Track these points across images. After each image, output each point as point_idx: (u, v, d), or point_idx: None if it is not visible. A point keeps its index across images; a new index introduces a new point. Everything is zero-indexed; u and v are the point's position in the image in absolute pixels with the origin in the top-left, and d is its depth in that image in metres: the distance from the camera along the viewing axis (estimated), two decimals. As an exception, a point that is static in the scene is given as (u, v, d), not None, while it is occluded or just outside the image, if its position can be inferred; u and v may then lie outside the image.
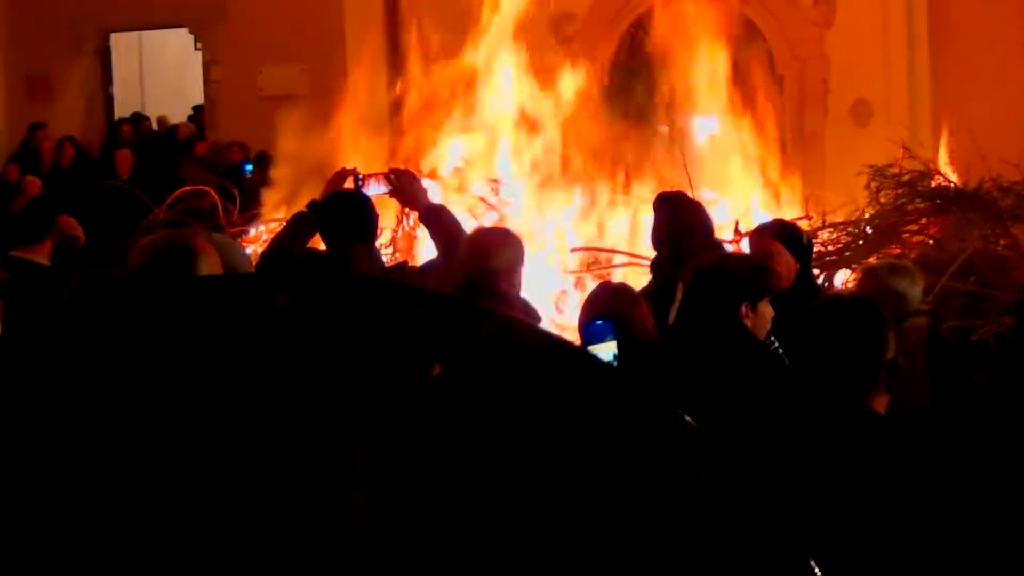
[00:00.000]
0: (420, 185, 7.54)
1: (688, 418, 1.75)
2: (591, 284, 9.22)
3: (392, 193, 7.26)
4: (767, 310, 5.69)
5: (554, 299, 10.24)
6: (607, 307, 5.56)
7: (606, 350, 5.01)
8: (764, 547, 1.69)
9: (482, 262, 6.21)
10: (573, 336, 6.38)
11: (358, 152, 11.49)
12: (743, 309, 5.58)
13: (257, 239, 10.60)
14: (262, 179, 13.39)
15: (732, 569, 1.67)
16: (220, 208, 11.40)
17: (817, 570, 1.67)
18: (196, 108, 20.64)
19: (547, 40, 14.37)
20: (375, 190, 7.12)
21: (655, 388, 1.79)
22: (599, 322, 5.13)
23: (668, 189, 8.33)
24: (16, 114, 19.23)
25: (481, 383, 1.75)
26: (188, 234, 5.24)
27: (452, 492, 1.66)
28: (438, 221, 6.90)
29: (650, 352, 5.41)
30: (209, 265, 4.88)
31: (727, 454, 1.72)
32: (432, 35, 13.26)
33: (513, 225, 9.40)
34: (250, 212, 11.82)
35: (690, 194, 8.90)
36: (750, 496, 1.72)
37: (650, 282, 7.31)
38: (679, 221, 7.20)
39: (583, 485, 1.69)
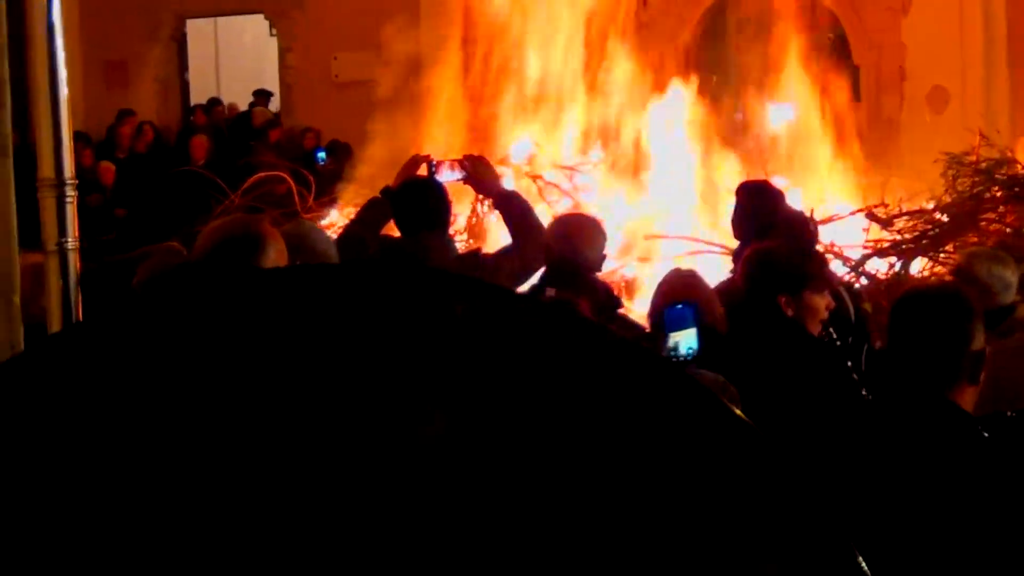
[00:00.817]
0: (494, 172, 7.53)
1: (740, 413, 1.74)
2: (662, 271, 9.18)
3: (466, 180, 7.24)
4: (817, 300, 5.66)
5: (624, 285, 10.22)
6: (684, 292, 5.52)
7: (686, 338, 4.95)
8: (808, 542, 1.68)
9: (568, 249, 6.23)
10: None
11: (432, 138, 11.50)
12: (783, 299, 5.57)
13: (332, 226, 10.62)
14: (336, 166, 13.46)
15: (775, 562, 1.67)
16: (295, 194, 11.45)
17: (864, 566, 1.66)
18: (258, 92, 20.65)
19: (624, 25, 14.27)
20: (449, 176, 7.10)
21: (701, 383, 1.79)
22: (679, 306, 5.08)
23: (749, 178, 8.29)
24: (93, 100, 19.35)
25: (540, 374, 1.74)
26: (254, 220, 5.24)
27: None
28: (511, 208, 6.88)
29: (721, 342, 5.38)
30: (276, 252, 4.89)
31: (773, 448, 1.72)
32: (507, 21, 13.24)
33: (587, 209, 9.41)
34: (325, 198, 11.87)
35: (768, 180, 8.83)
36: (794, 491, 1.71)
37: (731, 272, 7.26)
38: (760, 211, 7.12)
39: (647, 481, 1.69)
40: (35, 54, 3.63)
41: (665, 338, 4.97)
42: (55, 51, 3.62)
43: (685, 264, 8.50)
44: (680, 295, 5.43)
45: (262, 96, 20.47)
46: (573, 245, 6.28)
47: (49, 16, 3.61)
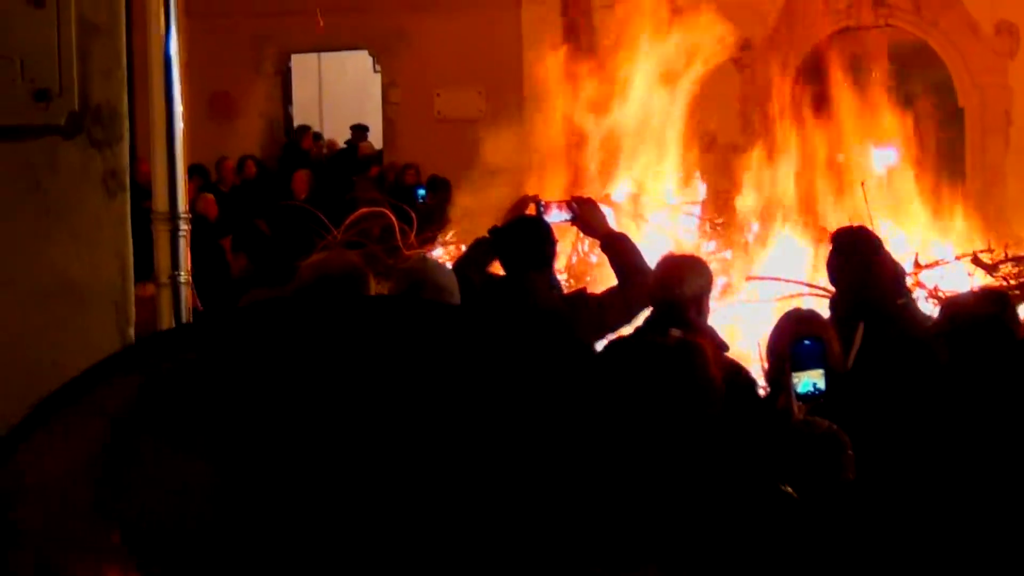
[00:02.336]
0: (601, 213, 7.51)
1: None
2: (764, 314, 9.10)
3: (573, 221, 7.24)
4: None
5: (727, 328, 10.13)
6: (809, 329, 5.44)
7: (813, 378, 4.88)
8: None
9: (671, 289, 6.18)
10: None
11: (534, 177, 11.51)
12: None
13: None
14: (436, 202, 13.51)
15: None
16: (397, 230, 11.49)
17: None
18: (356, 127, 20.80)
19: (725, 67, 14.23)
20: (557, 217, 7.12)
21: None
22: (807, 342, 5.00)
23: (848, 224, 8.17)
24: (198, 132, 19.62)
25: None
26: (353, 257, 5.27)
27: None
28: (618, 249, 6.87)
29: (843, 382, 5.30)
30: (373, 288, 4.93)
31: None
32: (609, 59, 13.25)
33: (688, 250, 9.35)
34: (426, 235, 11.90)
35: (869, 225, 8.72)
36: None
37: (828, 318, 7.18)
38: (858, 260, 7.01)
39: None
40: (152, 88, 3.66)
41: (789, 375, 4.92)
42: (171, 86, 3.66)
43: (779, 306, 8.42)
44: (807, 331, 5.35)
45: (360, 131, 20.63)
46: (677, 285, 6.23)
47: (166, 50, 3.64)
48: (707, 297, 6.34)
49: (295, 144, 20.59)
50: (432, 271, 5.43)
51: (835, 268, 7.17)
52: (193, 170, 16.92)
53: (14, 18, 3.24)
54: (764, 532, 1.65)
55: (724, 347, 6.28)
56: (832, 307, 7.09)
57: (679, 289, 6.16)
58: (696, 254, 7.17)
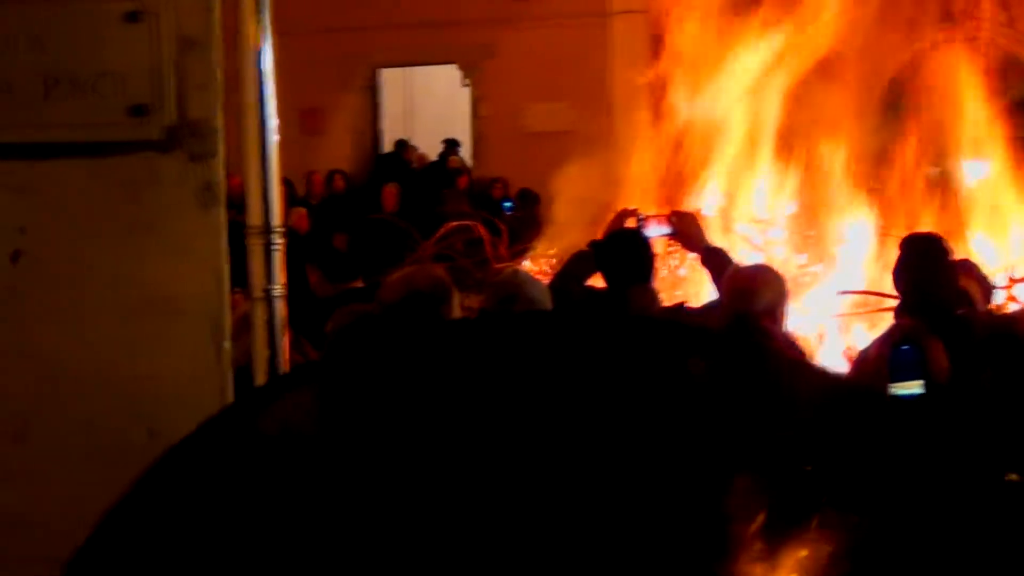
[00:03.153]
0: (700, 226, 7.47)
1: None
2: (857, 327, 9.01)
3: (672, 234, 7.21)
4: None
5: (816, 340, 10.04)
6: (909, 336, 5.36)
7: (911, 388, 4.81)
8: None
9: (745, 299, 6.14)
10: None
11: (624, 189, 11.47)
12: None
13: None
14: (525, 214, 13.51)
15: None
16: (487, 243, 11.49)
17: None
18: (448, 141, 20.89)
19: (812, 79, 14.12)
20: (656, 231, 7.10)
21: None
22: (906, 347, 4.93)
23: (919, 231, 8.08)
24: (288, 147, 19.74)
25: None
26: (439, 271, 5.27)
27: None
28: (717, 263, 6.83)
29: (945, 393, 5.22)
30: (458, 302, 4.93)
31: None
32: (696, 71, 13.19)
33: (778, 265, 9.27)
34: (516, 248, 11.89)
35: (966, 237, 8.61)
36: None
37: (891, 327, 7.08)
38: (924, 266, 6.90)
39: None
40: (245, 103, 3.67)
41: (886, 384, 4.86)
42: (265, 99, 3.67)
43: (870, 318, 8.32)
44: (907, 337, 5.28)
45: (452, 145, 20.72)
46: (750, 296, 6.20)
47: (260, 63, 3.66)
48: (782, 306, 6.28)
49: (394, 157, 20.68)
50: (524, 284, 5.42)
51: (898, 273, 7.06)
52: (282, 183, 17.05)
53: (111, 35, 3.27)
54: (997, 524, 1.65)
55: (803, 354, 6.23)
56: (896, 316, 6.97)
57: (751, 298, 6.12)
58: (768, 264, 7.09)
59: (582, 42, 18.54)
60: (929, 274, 6.69)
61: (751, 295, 6.13)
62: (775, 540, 1.67)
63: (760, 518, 1.68)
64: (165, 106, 3.30)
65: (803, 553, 1.66)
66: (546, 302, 5.45)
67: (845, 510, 1.67)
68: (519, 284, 5.36)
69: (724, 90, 12.59)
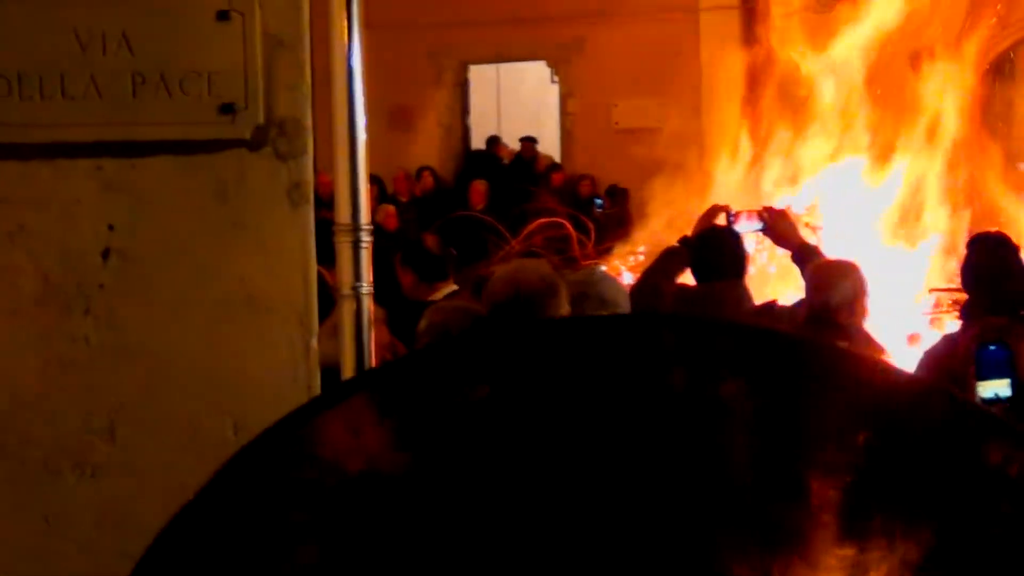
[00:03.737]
0: (792, 223, 7.42)
1: None
2: (950, 326, 8.91)
3: (765, 231, 7.17)
4: None
5: (907, 340, 9.94)
6: (998, 335, 5.30)
7: (999, 387, 4.76)
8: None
9: (823, 294, 6.17)
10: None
11: (714, 185, 11.43)
12: None
13: (617, 272, 10.60)
14: (614, 211, 13.49)
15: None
16: (575, 240, 11.49)
17: None
18: (525, 139, 20.84)
19: (905, 75, 14.00)
20: (747, 227, 7.06)
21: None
22: (993, 347, 4.88)
23: (987, 230, 8.01)
24: (377, 144, 19.84)
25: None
26: (546, 268, 5.25)
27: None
28: (810, 260, 6.79)
29: None
30: (564, 299, 4.90)
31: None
32: (790, 65, 13.12)
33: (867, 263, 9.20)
34: (604, 245, 11.88)
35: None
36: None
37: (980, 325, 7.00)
38: (995, 265, 6.82)
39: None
40: (335, 100, 3.69)
41: (974, 382, 4.82)
42: (354, 97, 3.68)
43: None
44: (992, 338, 5.22)
45: (529, 142, 20.66)
46: (827, 290, 6.20)
47: (349, 63, 3.67)
48: (861, 300, 6.26)
49: (486, 153, 20.70)
50: (599, 283, 5.38)
51: (964, 271, 6.99)
52: (371, 181, 17.15)
53: (201, 33, 3.29)
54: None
55: (880, 350, 6.20)
56: (963, 315, 6.88)
57: (829, 292, 6.13)
58: (848, 259, 7.05)
59: (672, 38, 18.47)
60: (1001, 273, 6.64)
61: (828, 289, 6.15)
62: (836, 547, 1.66)
63: (825, 521, 1.66)
64: (254, 105, 3.32)
65: (866, 562, 1.64)
66: (621, 301, 5.43)
67: (912, 519, 1.65)
68: (593, 283, 5.33)
69: (817, 83, 12.51)
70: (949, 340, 6.52)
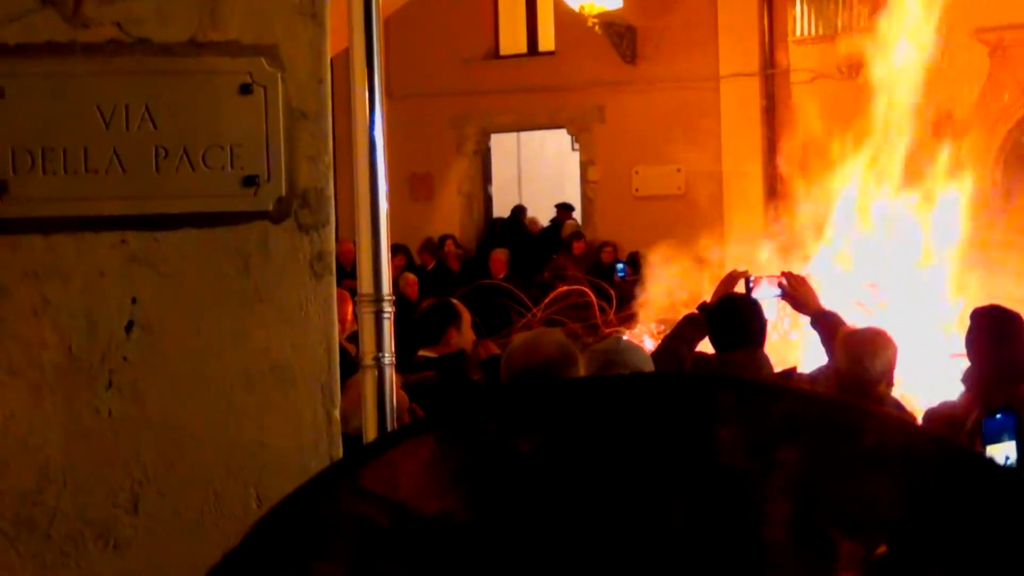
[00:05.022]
0: (811, 289, 7.43)
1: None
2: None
3: (783, 296, 7.18)
4: None
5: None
6: (1003, 402, 5.32)
7: (1003, 451, 4.79)
8: None
9: (860, 364, 6.13)
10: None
11: (735, 253, 11.43)
12: None
13: (639, 340, 10.59)
14: (636, 279, 13.49)
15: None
16: (596, 308, 11.50)
17: None
18: (562, 206, 20.93)
19: (925, 139, 14.03)
20: (766, 293, 7.07)
21: None
22: (999, 415, 4.90)
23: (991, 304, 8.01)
24: (399, 212, 19.94)
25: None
26: (562, 337, 5.24)
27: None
28: (829, 327, 6.79)
29: None
30: (580, 369, 4.89)
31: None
32: (809, 133, 13.16)
33: (892, 328, 9.18)
34: (625, 313, 11.89)
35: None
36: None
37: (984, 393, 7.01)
38: (994, 335, 6.80)
39: None
40: (357, 171, 3.70)
41: (982, 450, 4.83)
42: (376, 167, 3.70)
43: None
44: (998, 405, 5.25)
45: (566, 210, 20.76)
46: (867, 359, 6.18)
47: (371, 131, 3.69)
48: (893, 371, 6.26)
49: (511, 222, 20.78)
50: (625, 352, 5.38)
51: (973, 343, 6.94)
52: (395, 249, 17.21)
53: (224, 107, 3.32)
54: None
55: (912, 419, 6.19)
56: (966, 382, 6.85)
57: (864, 363, 6.10)
58: (881, 328, 7.05)
59: (693, 105, 18.55)
60: (1004, 343, 6.64)
61: (865, 359, 6.10)
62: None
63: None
64: (277, 177, 3.34)
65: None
66: (646, 370, 5.43)
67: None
68: (619, 351, 5.33)
69: (838, 149, 12.54)
70: (948, 406, 6.55)
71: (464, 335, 7.38)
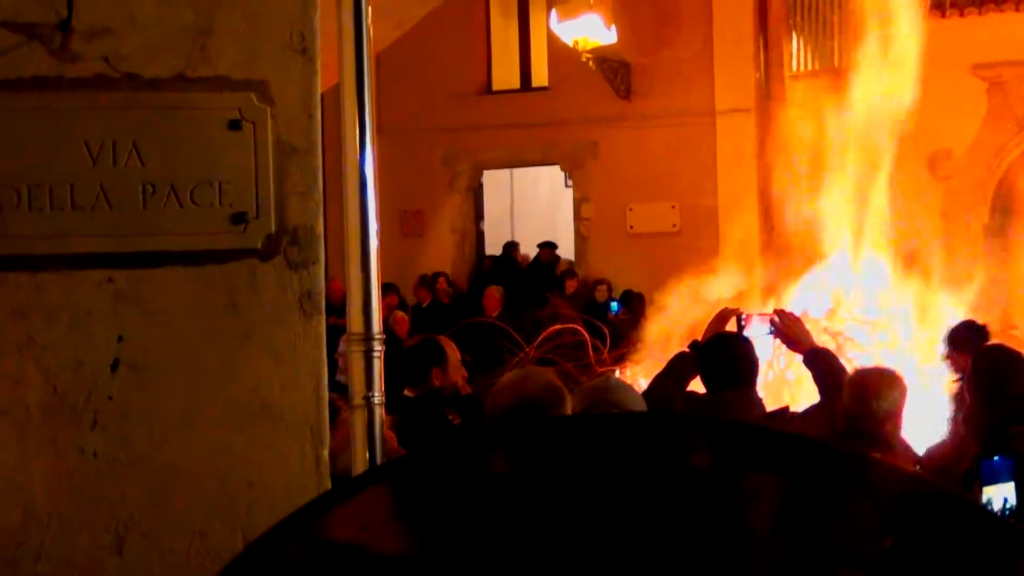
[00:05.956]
0: (804, 327, 7.41)
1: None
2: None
3: (775, 334, 7.16)
4: None
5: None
6: (1002, 444, 5.35)
7: (1003, 492, 4.81)
8: None
9: (868, 405, 6.11)
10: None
11: (730, 289, 11.44)
12: None
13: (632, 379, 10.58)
14: (630, 317, 13.51)
15: None
16: (590, 347, 11.50)
17: None
18: (543, 244, 20.85)
19: (923, 177, 14.07)
20: (758, 331, 7.06)
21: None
22: (996, 459, 4.93)
23: (994, 343, 8.06)
24: (390, 249, 19.95)
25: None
26: (550, 377, 5.20)
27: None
28: (821, 366, 6.79)
29: None
30: (568, 409, 4.87)
31: None
32: (805, 167, 13.20)
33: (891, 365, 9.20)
34: (619, 351, 11.89)
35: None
36: None
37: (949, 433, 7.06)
38: (995, 375, 6.82)
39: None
40: (347, 208, 3.70)
41: (980, 492, 4.85)
42: (367, 203, 3.70)
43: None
44: (997, 449, 5.28)
45: (549, 248, 20.68)
46: (873, 400, 6.17)
47: (361, 168, 3.69)
48: (901, 411, 6.26)
49: (504, 259, 20.74)
50: (614, 391, 5.35)
51: (974, 381, 6.99)
52: (386, 288, 17.20)
53: (212, 143, 3.32)
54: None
55: (916, 461, 6.19)
56: (966, 422, 6.87)
57: (871, 404, 6.09)
58: (889, 367, 7.05)
59: (688, 142, 18.59)
60: (1004, 383, 6.65)
61: (872, 399, 6.09)
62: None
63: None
64: (265, 214, 3.34)
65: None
66: (637, 409, 5.41)
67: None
68: (608, 390, 5.31)
69: (834, 191, 12.57)
70: (944, 446, 6.58)
71: (450, 374, 7.33)
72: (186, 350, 3.30)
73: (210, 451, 3.30)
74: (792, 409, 7.30)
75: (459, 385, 7.44)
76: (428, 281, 19.23)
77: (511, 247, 21.24)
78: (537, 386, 4.85)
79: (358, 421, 3.65)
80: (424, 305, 18.40)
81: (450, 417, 6.85)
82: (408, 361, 7.49)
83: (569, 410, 4.85)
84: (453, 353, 7.44)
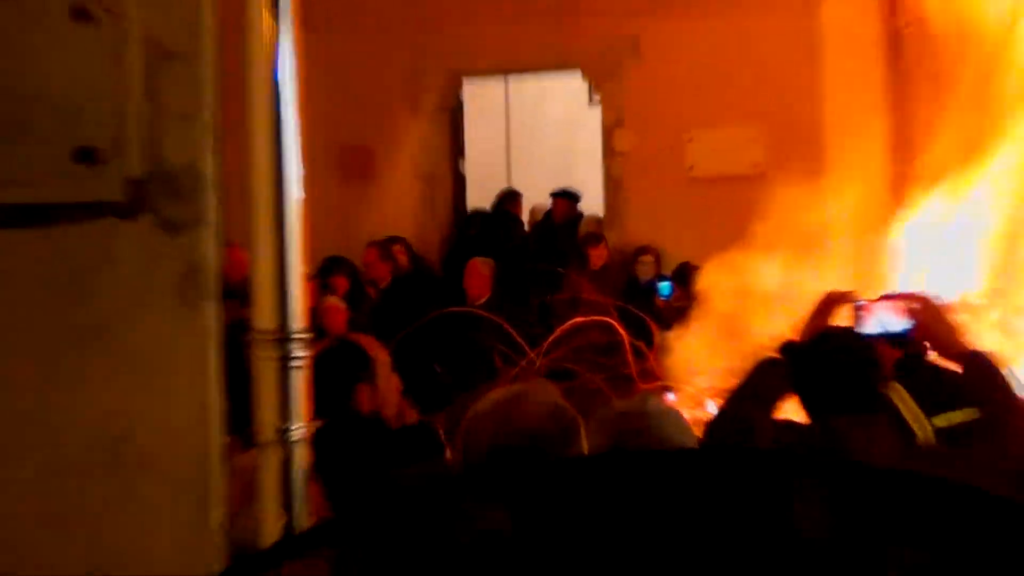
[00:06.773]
0: (952, 321, 7.38)
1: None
2: None
3: (911, 332, 7.13)
4: None
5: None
6: None
7: None
8: None
9: None
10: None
11: (841, 262, 11.51)
12: None
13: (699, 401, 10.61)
14: (687, 306, 13.44)
15: None
16: (629, 349, 11.47)
17: None
18: (558, 194, 20.76)
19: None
20: (885, 327, 7.04)
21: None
22: None
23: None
24: (318, 202, 19.91)
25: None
26: (560, 401, 5.19)
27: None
28: (981, 374, 6.82)
29: None
30: (583, 445, 4.89)
31: None
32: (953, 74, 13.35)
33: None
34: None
35: None
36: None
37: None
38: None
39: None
40: (254, 135, 3.69)
41: None
42: (283, 138, 3.68)
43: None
44: None
45: (567, 199, 20.48)
46: None
47: (275, 83, 3.67)
48: None
49: (496, 216, 20.62)
50: (652, 416, 5.36)
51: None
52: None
53: (48, 40, 3.30)
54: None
55: None
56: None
57: None
58: None
59: (778, 33, 18.51)
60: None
61: None
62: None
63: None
64: (128, 149, 3.33)
65: None
66: (685, 442, 5.42)
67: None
68: (642, 415, 5.32)
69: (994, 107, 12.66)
70: None
71: (383, 392, 7.29)
72: (7, 357, 3.30)
73: (39, 501, 3.30)
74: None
75: (398, 410, 7.42)
76: (384, 250, 19.13)
77: (507, 199, 21.17)
78: (535, 414, 4.83)
79: (268, 466, 3.63)
80: (381, 287, 18.33)
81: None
82: (322, 375, 7.48)
83: (585, 447, 4.84)
84: (383, 358, 7.40)
